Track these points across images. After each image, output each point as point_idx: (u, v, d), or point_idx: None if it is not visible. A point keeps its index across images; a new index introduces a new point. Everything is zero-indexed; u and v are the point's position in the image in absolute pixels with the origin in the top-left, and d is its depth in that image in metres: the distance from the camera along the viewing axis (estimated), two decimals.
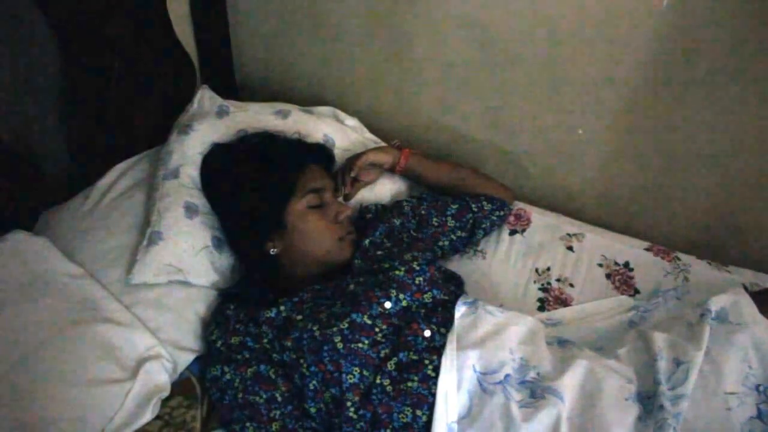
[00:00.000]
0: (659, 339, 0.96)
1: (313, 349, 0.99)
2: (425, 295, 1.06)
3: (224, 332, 1.07)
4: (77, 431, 0.95)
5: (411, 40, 1.43)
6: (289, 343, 1.01)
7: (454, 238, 1.27)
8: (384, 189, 1.37)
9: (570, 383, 0.92)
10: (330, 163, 1.30)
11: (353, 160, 1.28)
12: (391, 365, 0.97)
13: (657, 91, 1.23)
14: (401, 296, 1.04)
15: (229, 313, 1.10)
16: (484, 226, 1.30)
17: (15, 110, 1.21)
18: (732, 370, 0.91)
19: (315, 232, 1.13)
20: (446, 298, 1.08)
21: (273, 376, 1.01)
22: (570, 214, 1.42)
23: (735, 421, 0.88)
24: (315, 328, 1.00)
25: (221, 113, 1.39)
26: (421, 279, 1.07)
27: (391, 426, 0.93)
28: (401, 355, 0.98)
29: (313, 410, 0.98)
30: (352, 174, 1.27)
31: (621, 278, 1.26)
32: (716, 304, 0.98)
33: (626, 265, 1.28)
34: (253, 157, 1.17)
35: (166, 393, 1.06)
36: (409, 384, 0.94)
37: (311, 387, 0.98)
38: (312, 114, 1.46)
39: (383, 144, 1.45)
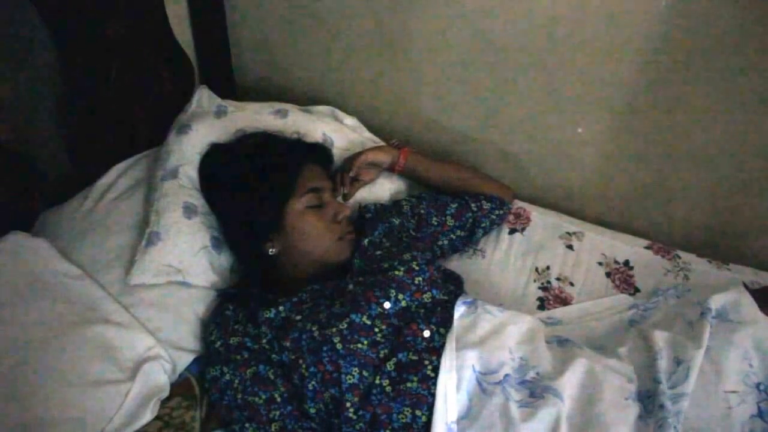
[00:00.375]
0: (659, 338, 0.96)
1: (312, 349, 0.99)
2: (424, 295, 1.06)
3: (223, 333, 1.07)
4: None
5: (410, 39, 1.43)
6: (288, 344, 1.01)
7: (454, 237, 1.27)
8: (383, 188, 1.37)
9: (570, 383, 0.91)
10: (329, 163, 1.29)
11: (352, 159, 1.28)
12: (390, 365, 0.97)
13: (657, 91, 1.23)
14: (400, 296, 1.03)
15: (228, 313, 1.10)
16: (483, 225, 1.30)
17: (14, 111, 1.21)
18: (732, 369, 0.91)
19: (314, 232, 1.13)
20: (445, 297, 1.07)
21: (272, 377, 1.01)
22: (570, 213, 1.42)
23: (736, 420, 0.88)
24: (314, 329, 1.00)
25: (220, 113, 1.39)
26: (420, 279, 1.06)
27: (390, 426, 0.92)
28: (400, 355, 0.97)
29: (312, 411, 0.98)
30: (351, 173, 1.27)
31: (621, 277, 1.26)
32: (716, 302, 0.98)
33: (626, 263, 1.28)
34: (251, 157, 1.17)
35: (165, 394, 1.06)
36: (409, 384, 0.94)
37: (310, 387, 0.98)
38: (311, 113, 1.46)
39: (382, 143, 1.45)
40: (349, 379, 0.96)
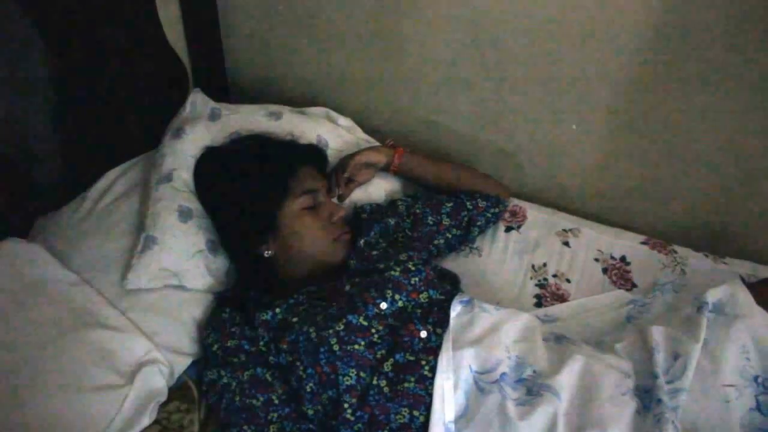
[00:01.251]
0: (656, 333, 0.96)
1: (309, 351, 0.98)
2: (421, 295, 1.05)
3: (220, 336, 1.07)
4: None
5: (406, 39, 1.43)
6: (285, 346, 1.01)
7: (450, 236, 1.27)
8: (378, 189, 1.37)
9: (567, 380, 0.91)
10: (323, 164, 1.29)
11: (347, 160, 1.28)
12: (387, 366, 0.97)
13: (654, 89, 1.23)
14: (397, 297, 1.03)
15: (225, 316, 1.10)
16: (479, 223, 1.30)
17: (8, 117, 1.20)
18: (730, 363, 0.91)
19: (309, 233, 1.13)
20: (442, 297, 1.07)
21: (270, 379, 1.01)
22: (566, 210, 1.42)
23: (734, 414, 0.88)
24: (311, 330, 1.00)
25: (214, 116, 1.38)
26: (416, 279, 1.06)
27: (388, 427, 0.92)
28: (398, 356, 0.97)
29: (310, 412, 0.98)
30: (346, 174, 1.27)
31: (618, 272, 1.26)
32: (713, 296, 0.98)
33: (623, 259, 1.28)
34: (245, 160, 1.17)
35: (163, 398, 1.06)
36: (406, 385, 0.94)
37: (308, 389, 0.98)
38: (305, 115, 1.45)
39: (377, 144, 1.45)
40: (347, 380, 0.96)
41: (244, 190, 1.14)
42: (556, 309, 1.20)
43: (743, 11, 1.08)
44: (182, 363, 1.11)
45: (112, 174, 1.35)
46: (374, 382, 0.95)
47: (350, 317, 0.99)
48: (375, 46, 1.48)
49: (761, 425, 0.88)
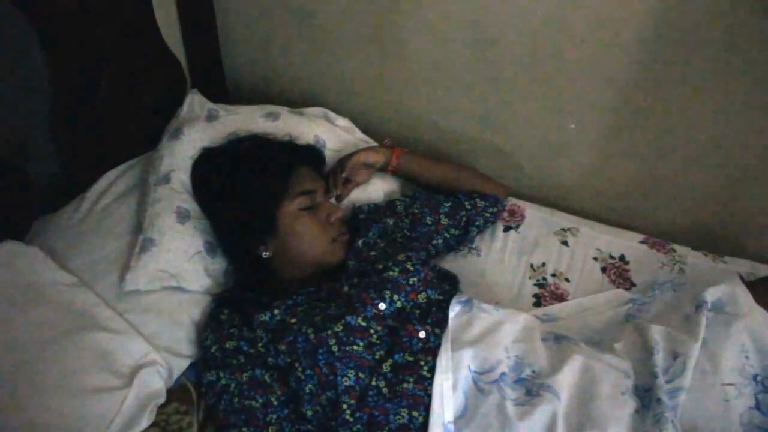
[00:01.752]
0: (656, 332, 0.96)
1: (308, 352, 0.98)
2: (420, 296, 1.05)
3: (219, 337, 1.07)
4: None
5: (405, 39, 1.42)
6: (283, 347, 1.00)
7: (448, 236, 1.27)
8: (376, 189, 1.37)
9: (566, 380, 0.91)
10: (321, 164, 1.29)
11: (344, 160, 1.28)
12: (386, 367, 0.97)
13: (653, 88, 1.23)
14: (395, 297, 1.03)
15: (223, 317, 1.10)
16: (477, 223, 1.30)
17: (5, 119, 1.20)
18: (729, 362, 0.91)
19: (307, 234, 1.13)
20: (441, 297, 1.07)
21: (268, 380, 1.01)
22: (565, 210, 1.42)
23: (734, 413, 0.89)
24: (309, 331, 0.99)
25: (211, 117, 1.38)
26: (415, 279, 1.06)
27: (387, 428, 0.92)
28: (396, 356, 0.97)
29: (309, 413, 0.98)
30: (344, 174, 1.27)
31: (617, 272, 1.25)
32: (712, 295, 0.98)
33: (622, 258, 1.27)
34: (243, 161, 1.16)
35: (161, 399, 1.05)
36: (405, 385, 0.94)
37: (307, 390, 0.98)
38: (302, 115, 1.45)
39: (375, 144, 1.45)
40: (346, 381, 0.96)
41: (241, 191, 1.13)
42: (555, 308, 1.20)
43: (741, 11, 1.08)
44: (181, 364, 1.11)
45: (110, 175, 1.35)
46: (373, 382, 0.95)
47: (349, 318, 0.99)
48: (374, 46, 1.48)
49: (761, 424, 0.88)
